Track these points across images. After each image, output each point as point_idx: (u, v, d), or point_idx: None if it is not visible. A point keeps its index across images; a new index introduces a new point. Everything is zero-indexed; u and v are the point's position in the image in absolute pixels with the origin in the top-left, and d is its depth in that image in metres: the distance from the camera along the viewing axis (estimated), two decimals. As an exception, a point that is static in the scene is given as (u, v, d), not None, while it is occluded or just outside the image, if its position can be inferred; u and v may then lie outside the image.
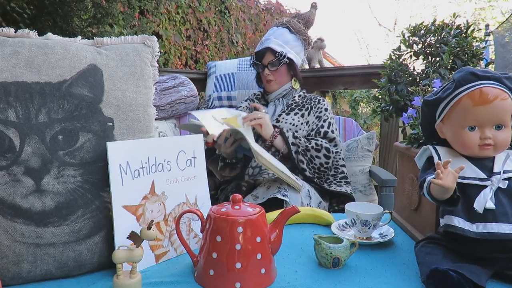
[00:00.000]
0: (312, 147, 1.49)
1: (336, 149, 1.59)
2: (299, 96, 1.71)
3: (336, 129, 1.66)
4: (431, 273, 0.68)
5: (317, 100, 1.69)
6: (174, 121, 1.96)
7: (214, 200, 1.55)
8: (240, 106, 1.80)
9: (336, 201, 1.56)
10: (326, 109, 1.66)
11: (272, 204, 1.22)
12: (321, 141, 1.52)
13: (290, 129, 1.57)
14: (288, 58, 1.65)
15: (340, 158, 1.62)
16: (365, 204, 1.05)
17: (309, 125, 1.63)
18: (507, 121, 0.75)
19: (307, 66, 2.43)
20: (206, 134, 1.26)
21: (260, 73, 1.73)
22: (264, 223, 0.76)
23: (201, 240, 0.78)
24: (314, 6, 1.99)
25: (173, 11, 3.21)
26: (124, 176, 0.79)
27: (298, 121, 1.62)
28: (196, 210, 0.79)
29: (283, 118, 1.62)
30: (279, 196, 1.22)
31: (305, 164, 1.47)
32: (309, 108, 1.66)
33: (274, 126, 1.48)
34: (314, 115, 1.64)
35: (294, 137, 1.48)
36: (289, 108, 1.65)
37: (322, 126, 1.60)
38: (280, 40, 1.67)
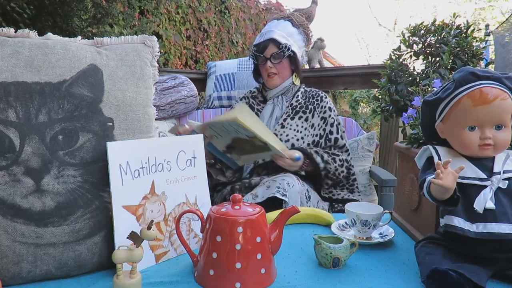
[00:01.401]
0: (338, 165, 1.50)
1: (349, 155, 1.58)
2: (301, 93, 1.64)
3: (344, 131, 1.63)
4: (431, 273, 0.68)
5: (319, 98, 1.62)
6: (174, 121, 1.96)
7: (210, 201, 1.55)
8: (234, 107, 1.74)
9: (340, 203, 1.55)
10: (330, 108, 1.60)
11: (271, 203, 1.22)
12: (341, 156, 1.53)
13: (311, 148, 1.52)
14: (292, 51, 1.58)
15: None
16: (365, 204, 1.05)
17: (314, 128, 1.57)
18: (507, 121, 0.75)
19: (306, 66, 2.42)
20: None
21: (260, 67, 1.64)
22: (264, 223, 0.76)
23: (201, 240, 0.78)
24: (314, 2, 1.93)
25: (173, 11, 3.21)
26: (124, 176, 0.79)
27: (302, 126, 1.57)
28: (196, 210, 0.79)
29: (287, 123, 1.56)
30: (278, 195, 1.22)
31: (331, 180, 1.51)
32: (313, 109, 1.60)
33: (303, 152, 1.44)
34: (318, 116, 1.59)
35: (324, 161, 1.47)
36: (294, 111, 1.58)
37: (331, 132, 1.56)
38: (284, 32, 1.60)
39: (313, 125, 1.58)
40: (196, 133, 1.33)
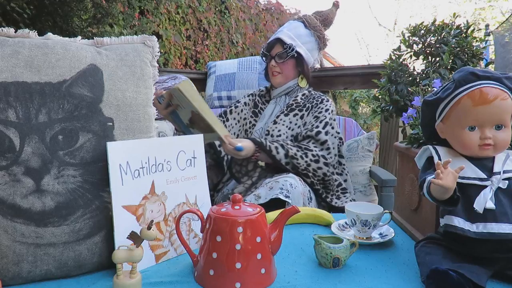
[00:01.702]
0: (311, 160, 1.43)
1: (329, 154, 1.50)
2: (303, 95, 1.63)
3: (337, 132, 1.58)
4: (431, 273, 0.68)
5: (320, 100, 1.60)
6: (174, 121, 1.95)
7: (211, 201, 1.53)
8: (239, 102, 1.74)
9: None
10: (327, 110, 1.56)
11: (273, 204, 1.22)
12: (315, 150, 1.46)
13: (277, 141, 1.47)
14: (296, 52, 1.59)
15: (332, 165, 1.53)
16: (365, 204, 1.05)
17: (305, 126, 1.55)
18: (507, 121, 0.75)
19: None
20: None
21: (267, 65, 1.67)
22: (264, 223, 0.76)
23: (201, 240, 0.78)
24: (335, 5, 1.83)
25: (173, 11, 3.21)
26: (124, 176, 0.79)
27: (296, 123, 1.55)
28: (196, 210, 0.79)
29: (280, 119, 1.56)
30: (281, 197, 1.21)
31: (310, 177, 1.45)
32: (310, 108, 1.58)
33: (254, 142, 1.41)
34: (312, 115, 1.56)
35: (289, 156, 1.41)
36: (289, 109, 1.58)
37: (317, 127, 1.51)
38: (292, 33, 1.62)
39: (305, 123, 1.57)
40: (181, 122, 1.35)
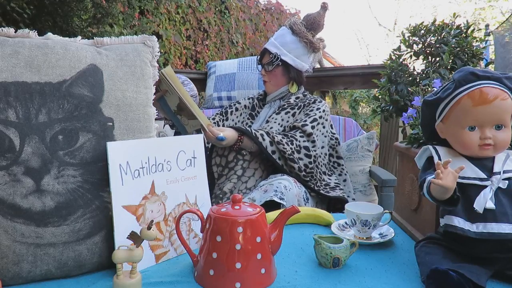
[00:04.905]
0: (295, 149, 1.43)
1: (314, 147, 1.49)
2: (296, 98, 1.64)
3: (332, 133, 1.60)
4: (431, 273, 0.68)
5: (312, 100, 1.62)
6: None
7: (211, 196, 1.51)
8: (239, 103, 1.77)
9: (332, 209, 1.51)
10: (318, 109, 1.57)
11: (268, 207, 1.22)
12: (300, 142, 1.46)
13: (262, 129, 1.47)
14: (282, 60, 1.60)
15: (319, 163, 1.53)
16: (365, 204, 1.05)
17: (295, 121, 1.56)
18: (507, 121, 0.75)
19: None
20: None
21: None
22: (264, 223, 0.77)
23: (201, 240, 0.78)
24: (323, 7, 1.80)
25: (173, 11, 3.21)
26: (124, 176, 0.79)
27: (287, 121, 1.57)
28: (196, 210, 0.79)
29: (272, 118, 1.58)
30: (276, 199, 1.21)
31: (297, 163, 1.43)
32: (302, 106, 1.60)
33: (238, 130, 1.41)
34: (304, 113, 1.57)
35: (275, 143, 1.41)
36: (280, 108, 1.61)
37: (305, 121, 1.52)
38: (278, 41, 1.64)
39: (296, 120, 1.57)
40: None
